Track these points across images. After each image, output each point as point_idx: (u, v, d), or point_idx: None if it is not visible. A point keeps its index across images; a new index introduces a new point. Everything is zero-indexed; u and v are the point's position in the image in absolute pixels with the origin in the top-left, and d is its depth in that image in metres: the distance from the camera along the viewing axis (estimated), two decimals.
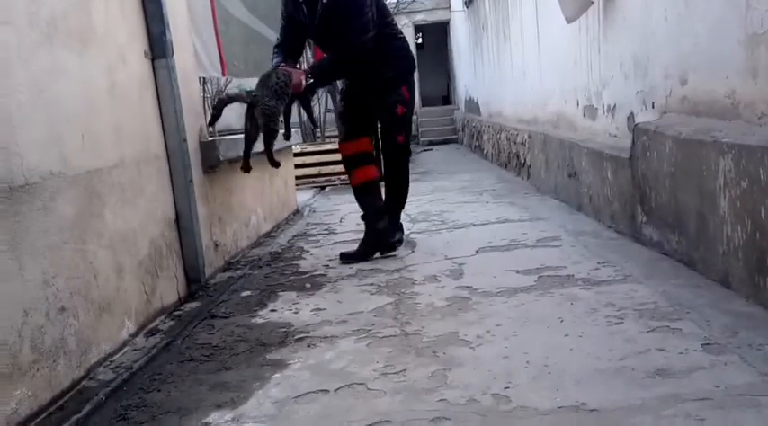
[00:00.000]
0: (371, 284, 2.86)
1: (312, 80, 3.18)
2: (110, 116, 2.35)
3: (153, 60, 2.72)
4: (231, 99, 3.16)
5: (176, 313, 2.67)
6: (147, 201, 2.59)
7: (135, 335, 2.36)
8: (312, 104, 9.70)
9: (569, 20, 4.01)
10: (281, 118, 3.22)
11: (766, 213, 2.00)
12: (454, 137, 13.41)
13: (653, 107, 3.02)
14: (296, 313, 2.54)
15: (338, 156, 7.83)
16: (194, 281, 2.92)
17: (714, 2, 2.41)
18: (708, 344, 1.83)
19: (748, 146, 2.08)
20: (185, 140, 2.82)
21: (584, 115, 4.20)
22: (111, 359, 2.15)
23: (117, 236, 2.30)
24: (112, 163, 2.33)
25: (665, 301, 2.22)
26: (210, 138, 3.26)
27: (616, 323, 2.07)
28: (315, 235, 4.26)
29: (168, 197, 2.79)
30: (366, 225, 3.38)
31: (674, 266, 2.64)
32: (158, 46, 2.72)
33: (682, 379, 1.64)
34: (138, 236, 2.48)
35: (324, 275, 3.10)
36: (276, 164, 3.31)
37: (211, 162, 3.17)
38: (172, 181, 2.81)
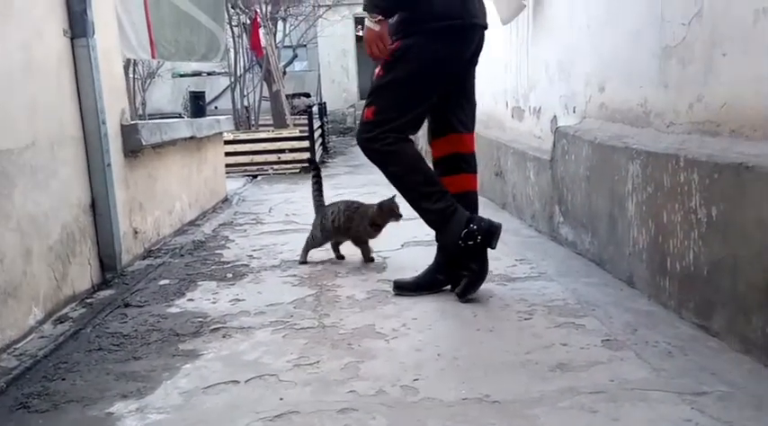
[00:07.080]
0: (294, 275, 2.85)
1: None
2: (23, 94, 2.25)
3: (72, 39, 2.63)
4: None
5: (88, 300, 2.59)
6: (61, 185, 2.50)
7: (43, 322, 2.27)
8: (248, 92, 9.40)
9: (504, 21, 4.09)
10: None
11: (668, 218, 2.11)
12: None
13: (574, 112, 3.13)
14: (214, 303, 2.51)
15: (271, 145, 7.68)
16: (110, 269, 2.84)
17: (632, 14, 2.51)
18: (608, 340, 1.92)
19: (655, 152, 2.19)
20: (104, 122, 2.73)
21: (513, 116, 4.30)
22: (16, 346, 2.07)
23: (26, 219, 2.21)
24: (24, 144, 2.24)
25: (574, 298, 2.31)
26: (133, 122, 3.16)
27: (526, 319, 2.15)
28: (241, 225, 4.21)
29: (84, 181, 2.70)
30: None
31: (585, 265, 2.76)
32: (78, 25, 2.63)
33: (580, 373, 1.71)
34: (50, 220, 2.39)
35: (246, 265, 3.07)
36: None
37: (133, 146, 3.08)
38: (89, 165, 2.72)
